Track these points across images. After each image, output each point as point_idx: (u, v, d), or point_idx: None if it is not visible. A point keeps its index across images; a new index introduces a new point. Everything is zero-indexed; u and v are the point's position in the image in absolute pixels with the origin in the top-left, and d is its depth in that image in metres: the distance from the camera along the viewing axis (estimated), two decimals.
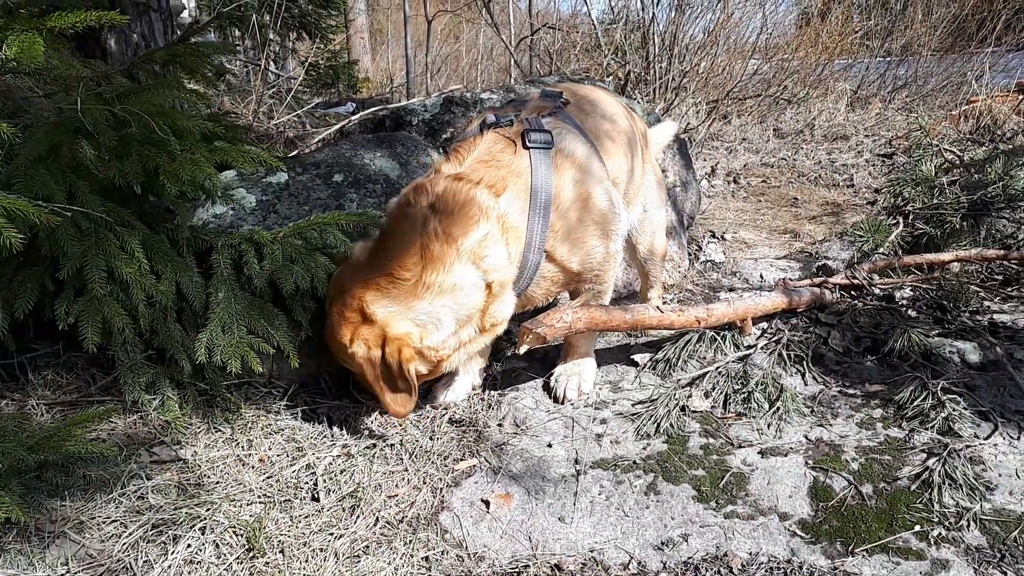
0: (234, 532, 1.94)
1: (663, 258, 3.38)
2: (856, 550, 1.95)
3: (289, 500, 2.12)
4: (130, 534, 1.90)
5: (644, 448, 2.39)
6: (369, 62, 17.04)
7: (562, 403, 2.64)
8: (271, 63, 8.33)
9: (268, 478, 2.21)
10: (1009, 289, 3.28)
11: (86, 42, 3.56)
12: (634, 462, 2.32)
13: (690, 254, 4.91)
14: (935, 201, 3.89)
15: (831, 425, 2.45)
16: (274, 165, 2.45)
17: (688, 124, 8.72)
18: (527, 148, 2.37)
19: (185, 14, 7.80)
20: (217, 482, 2.16)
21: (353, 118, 4.57)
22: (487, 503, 2.15)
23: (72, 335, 2.46)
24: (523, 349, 2.37)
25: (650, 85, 9.29)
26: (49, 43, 1.48)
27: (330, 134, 4.71)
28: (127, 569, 1.80)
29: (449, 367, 2.43)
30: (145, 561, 1.83)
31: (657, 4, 9.51)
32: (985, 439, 2.31)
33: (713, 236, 5.47)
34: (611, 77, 9.55)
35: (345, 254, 2.48)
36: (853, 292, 3.19)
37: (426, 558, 1.94)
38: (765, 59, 10.25)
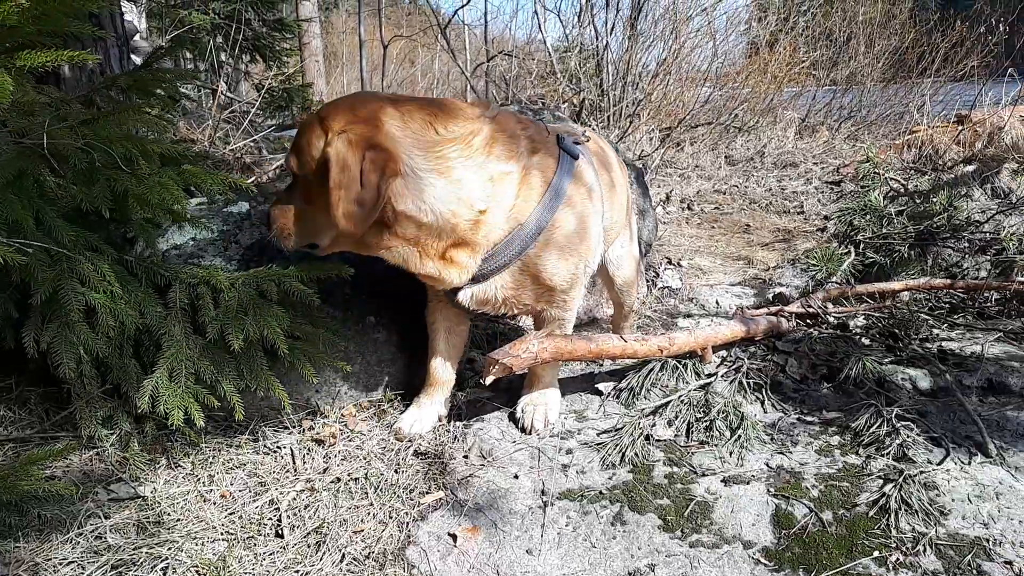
0: (197, 571, 1.90)
1: (636, 291, 3.50)
2: None
3: (253, 537, 2.09)
4: None
5: (610, 478, 2.41)
6: (324, 85, 16.95)
7: (529, 433, 2.65)
8: (225, 86, 8.25)
9: (231, 514, 2.17)
10: (956, 316, 3.40)
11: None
12: (600, 492, 2.34)
13: (648, 280, 4.98)
14: (884, 231, 4.02)
15: (791, 452, 2.50)
16: (245, 188, 2.43)
17: (643, 151, 8.87)
18: (559, 146, 2.45)
19: (137, 37, 7.70)
20: (178, 519, 2.11)
21: None
22: (454, 537, 2.14)
23: (23, 368, 2.41)
24: (489, 379, 2.38)
25: (605, 112, 9.44)
26: (17, 81, 1.46)
27: None
28: None
29: (380, 253, 2.28)
30: None
31: (611, 32, 9.70)
32: (938, 464, 2.38)
33: (670, 263, 5.56)
34: (566, 104, 9.69)
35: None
36: (808, 320, 3.27)
37: None
38: (716, 88, 10.51)
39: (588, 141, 2.74)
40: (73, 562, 1.89)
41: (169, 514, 2.11)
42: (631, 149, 8.76)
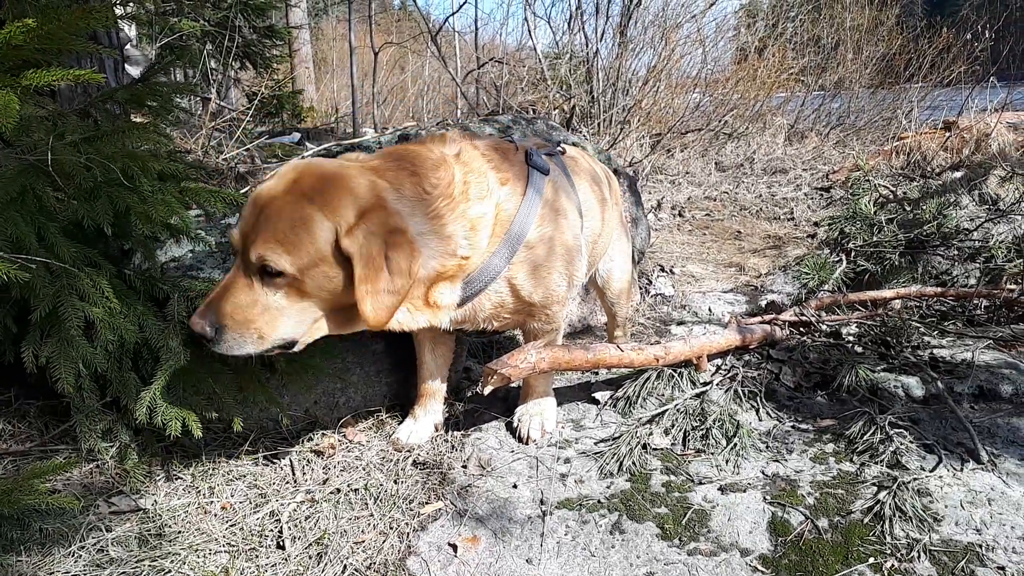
0: None
1: (628, 301, 3.55)
2: None
3: (254, 548, 2.10)
4: None
5: (608, 487, 2.43)
6: (314, 92, 16.97)
7: (527, 443, 2.67)
8: (216, 95, 8.25)
9: (232, 526, 2.18)
10: (947, 324, 3.44)
11: None
12: (599, 501, 2.36)
13: (641, 288, 5.01)
14: (875, 239, 4.07)
15: (786, 460, 2.53)
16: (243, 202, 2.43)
17: (633, 158, 8.93)
18: (528, 164, 2.40)
19: (129, 46, 7.69)
20: (179, 532, 2.12)
21: (306, 154, 4.56)
22: (454, 547, 2.16)
23: (23, 382, 2.41)
24: (487, 390, 2.40)
25: (595, 119, 9.49)
26: (22, 100, 1.47)
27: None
28: None
29: (375, 319, 1.98)
30: None
31: (601, 39, 9.76)
32: (931, 471, 2.41)
33: (662, 270, 5.60)
34: (557, 110, 9.73)
35: None
36: (802, 328, 3.31)
37: None
38: (705, 94, 10.57)
39: (564, 154, 2.73)
40: (76, 575, 1.90)
41: (171, 526, 2.12)
42: (622, 156, 8.81)
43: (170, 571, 1.93)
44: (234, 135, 6.06)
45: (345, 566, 2.05)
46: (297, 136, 9.45)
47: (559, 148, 2.73)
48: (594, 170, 3.00)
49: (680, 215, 7.62)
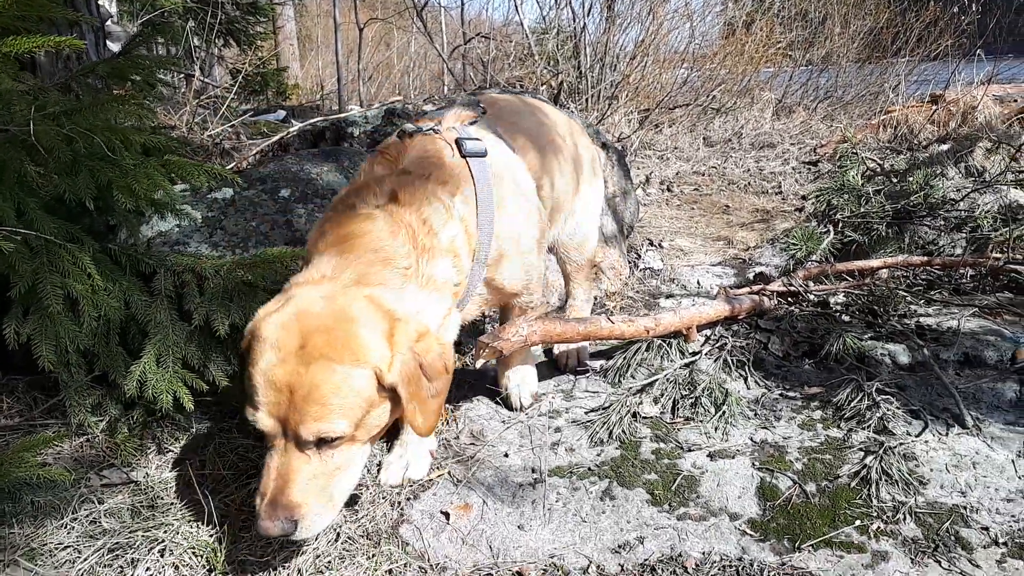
0: (194, 553, 1.92)
1: (591, 265, 3.35)
2: (802, 546, 2.04)
3: (247, 519, 2.10)
4: (85, 559, 1.86)
5: (598, 455, 2.45)
6: (299, 69, 16.78)
7: (519, 410, 2.68)
8: (199, 72, 8.15)
9: (224, 498, 2.18)
10: (933, 293, 3.47)
11: None
12: (589, 468, 2.38)
13: (630, 262, 5.02)
14: (862, 209, 4.08)
15: (774, 427, 2.56)
16: (230, 179, 2.41)
17: (621, 133, 8.90)
18: (464, 157, 2.24)
19: (110, 22, 7.58)
20: (171, 503, 2.12)
21: (292, 130, 4.52)
22: (447, 515, 2.17)
23: (9, 358, 2.40)
24: (480, 363, 2.40)
25: (583, 95, 9.44)
26: (3, 68, 1.45)
27: (268, 145, 4.65)
28: None
29: None
30: None
31: (588, 14, 9.69)
32: (917, 436, 2.44)
33: (651, 244, 5.60)
34: (544, 86, 9.67)
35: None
36: (790, 299, 3.33)
37: (390, 571, 1.95)
38: (693, 69, 10.54)
39: (486, 113, 2.57)
40: (69, 546, 1.90)
41: (163, 498, 2.13)
42: (610, 131, 8.78)
43: (163, 541, 1.94)
44: (218, 112, 5.99)
45: (339, 533, 2.06)
46: (283, 114, 9.37)
47: (480, 107, 2.58)
48: (528, 116, 2.83)
49: (669, 190, 7.61)
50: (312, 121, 4.32)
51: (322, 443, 1.76)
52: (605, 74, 9.29)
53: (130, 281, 2.32)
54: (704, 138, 9.83)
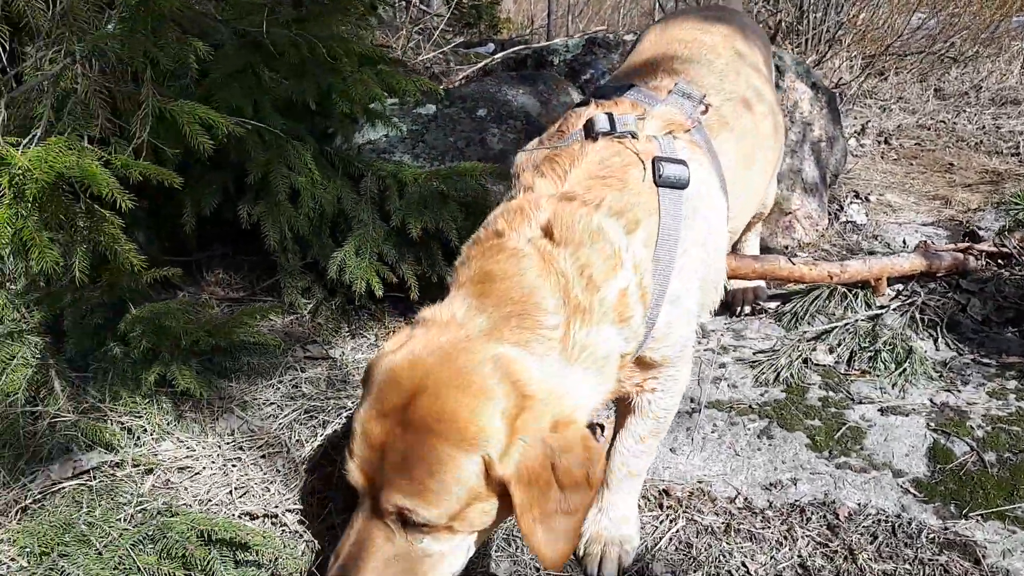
0: None
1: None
2: (970, 514, 1.95)
3: None
4: (285, 416, 2.16)
5: (761, 395, 2.44)
6: (511, 3, 16.98)
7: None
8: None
9: None
10: None
11: None
12: (750, 406, 2.38)
13: (830, 213, 4.78)
14: None
15: (959, 391, 2.41)
16: (434, 91, 2.59)
17: (840, 79, 8.32)
18: (657, 185, 1.67)
19: None
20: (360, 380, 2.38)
21: (496, 56, 4.67)
22: (601, 427, 2.27)
23: (238, 240, 2.75)
24: None
25: (802, 36, 8.87)
26: None
27: (473, 71, 4.83)
28: (283, 445, 2.06)
29: None
30: (297, 440, 2.08)
31: None
32: None
33: (856, 197, 5.28)
34: (761, 26, 9.18)
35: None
36: (1000, 261, 3.05)
37: None
38: (932, 13, 9.55)
39: (707, 111, 1.96)
40: (274, 404, 2.21)
41: (353, 375, 2.39)
42: (828, 77, 8.23)
43: (349, 409, 2.20)
44: (431, 38, 6.26)
45: None
46: (492, 47, 9.59)
47: (699, 111, 1.93)
48: (727, 55, 2.23)
49: (886, 142, 7.07)
50: (515, 49, 4.43)
51: (406, 523, 1.43)
52: (829, 14, 8.66)
53: (342, 181, 2.57)
54: (936, 89, 8.96)
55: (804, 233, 4.12)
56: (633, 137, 1.72)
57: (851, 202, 5.09)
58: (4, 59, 1.76)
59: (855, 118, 7.77)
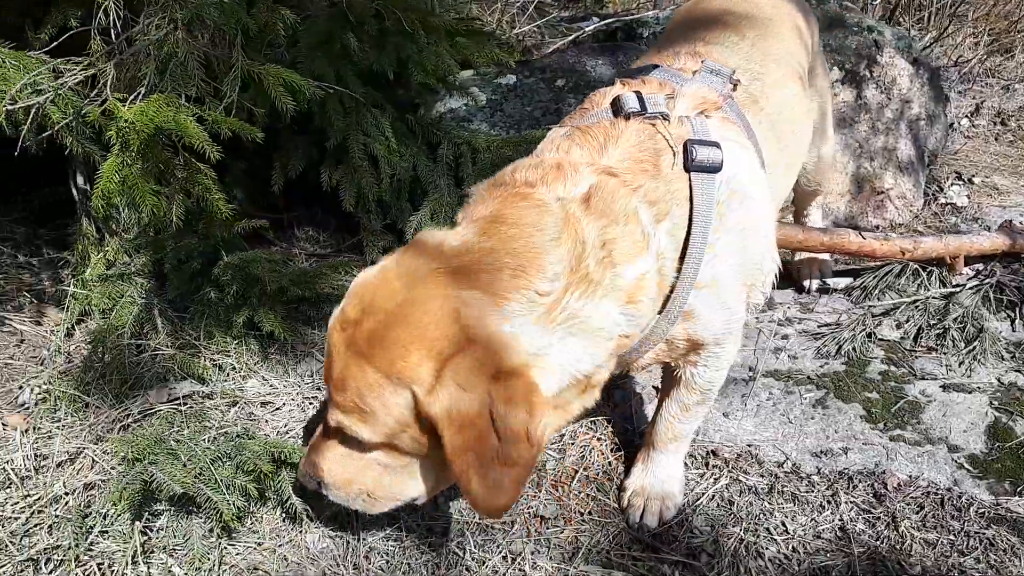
0: None
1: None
2: None
3: None
4: None
5: (821, 366, 2.45)
6: None
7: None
8: None
9: None
10: None
11: None
12: (808, 377, 2.40)
13: (927, 194, 4.61)
14: None
15: None
16: (506, 62, 2.70)
17: (960, 56, 7.90)
18: (688, 171, 1.62)
19: None
20: None
21: (587, 29, 4.71)
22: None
23: (326, 201, 2.95)
24: None
25: (924, 10, 8.45)
26: None
27: (564, 44, 4.89)
28: None
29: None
30: None
31: None
32: None
33: (959, 178, 5.06)
34: (879, 1, 8.79)
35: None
36: None
37: (593, 421, 2.19)
38: None
39: (736, 88, 1.86)
40: None
41: None
42: (948, 54, 7.84)
43: None
44: (527, 12, 6.34)
45: None
46: (596, 21, 9.57)
47: (730, 87, 1.84)
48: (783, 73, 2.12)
49: (1003, 123, 6.70)
50: (607, 21, 4.47)
51: (346, 438, 1.51)
52: None
53: (419, 147, 2.72)
54: None
55: (897, 213, 4.01)
56: (664, 118, 1.67)
57: (952, 183, 4.89)
58: (119, 25, 1.98)
59: (973, 97, 7.38)
